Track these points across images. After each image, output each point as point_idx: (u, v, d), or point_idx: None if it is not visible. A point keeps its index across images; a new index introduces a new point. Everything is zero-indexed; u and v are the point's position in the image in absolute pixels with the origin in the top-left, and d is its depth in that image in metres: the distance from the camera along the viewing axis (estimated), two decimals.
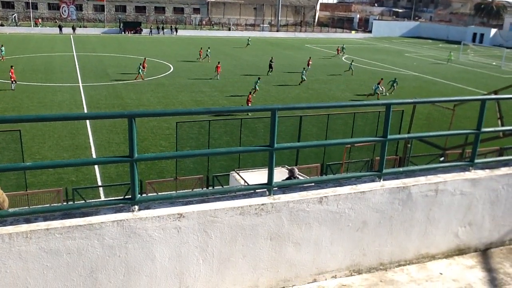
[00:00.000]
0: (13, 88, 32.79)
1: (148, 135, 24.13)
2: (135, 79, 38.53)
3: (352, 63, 47.44)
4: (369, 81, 43.01)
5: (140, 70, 38.91)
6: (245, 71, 45.23)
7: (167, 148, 22.41)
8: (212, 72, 41.43)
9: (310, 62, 48.33)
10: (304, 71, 40.32)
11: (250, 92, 31.90)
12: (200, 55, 51.32)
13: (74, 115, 3.74)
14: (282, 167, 14.60)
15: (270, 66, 45.11)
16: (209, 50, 51.99)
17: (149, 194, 15.66)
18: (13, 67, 33.82)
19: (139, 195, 4.17)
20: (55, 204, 14.54)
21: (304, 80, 39.45)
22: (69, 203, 15.46)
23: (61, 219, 3.90)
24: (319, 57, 59.02)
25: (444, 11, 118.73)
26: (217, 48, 61.19)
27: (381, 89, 35.29)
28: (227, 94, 34.98)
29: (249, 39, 69.01)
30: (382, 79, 36.67)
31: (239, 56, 55.92)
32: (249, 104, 29.06)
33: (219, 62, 42.16)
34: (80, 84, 36.02)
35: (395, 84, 37.21)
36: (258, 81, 34.95)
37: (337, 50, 63.36)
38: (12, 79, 32.80)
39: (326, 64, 53.02)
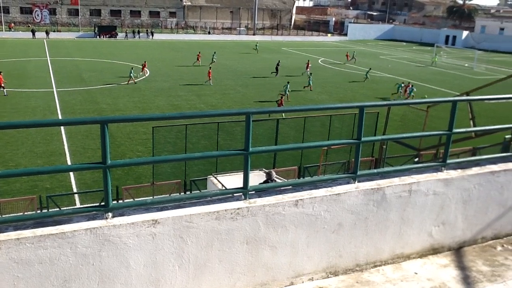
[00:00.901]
0: (5, 93, 32.55)
1: (125, 140, 23.87)
2: (127, 83, 38.50)
3: (369, 72, 46.39)
4: (343, 83, 43.51)
5: (131, 74, 38.92)
6: (222, 75, 45.12)
7: (144, 153, 22.20)
8: (204, 78, 40.91)
9: (309, 65, 47.67)
10: (311, 76, 39.89)
11: (282, 96, 32.15)
12: (198, 60, 50.99)
13: (44, 121, 3.67)
14: (259, 170, 14.63)
15: (277, 69, 45.57)
16: (215, 55, 52.37)
17: (125, 200, 15.49)
18: (1, 73, 33.43)
19: (114, 202, 4.12)
20: (28, 213, 14.24)
21: (310, 85, 38.75)
22: (43, 211, 15.17)
23: (33, 228, 3.81)
24: (296, 60, 59.33)
25: (418, 14, 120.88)
26: (195, 52, 60.92)
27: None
28: (204, 98, 34.87)
29: (257, 44, 68.66)
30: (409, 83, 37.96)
31: (219, 61, 55.86)
32: None
33: (210, 68, 42.25)
34: (55, 90, 35.44)
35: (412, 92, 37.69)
36: (288, 85, 35.17)
37: (347, 56, 60.60)
38: (1, 85, 32.55)
39: (301, 67, 53.35)
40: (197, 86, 38.95)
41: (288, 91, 34.70)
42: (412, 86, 38.43)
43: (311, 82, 39.05)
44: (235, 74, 46.04)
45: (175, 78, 41.91)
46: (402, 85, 38.68)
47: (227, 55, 61.22)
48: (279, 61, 48.47)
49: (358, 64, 56.74)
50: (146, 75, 42.93)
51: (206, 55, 53.80)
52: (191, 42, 76.83)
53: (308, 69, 46.29)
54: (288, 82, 35.87)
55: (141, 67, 43.64)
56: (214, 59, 51.43)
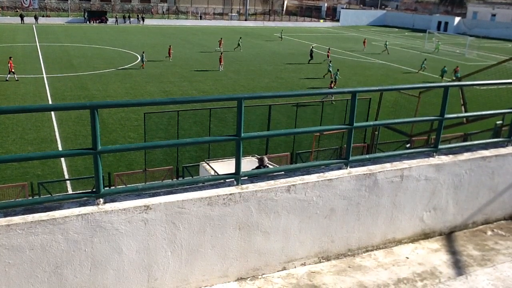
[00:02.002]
0: (16, 78, 32.78)
1: (117, 127, 23.73)
2: (142, 67, 39.06)
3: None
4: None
5: (143, 58, 39.45)
6: (215, 61, 44.88)
7: (136, 139, 22.09)
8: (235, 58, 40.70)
9: (329, 54, 47.17)
10: (330, 64, 39.43)
11: (331, 82, 32.46)
12: (220, 45, 51.43)
13: (33, 107, 3.62)
14: (252, 156, 14.62)
15: (311, 55, 45.90)
16: (241, 40, 53.48)
17: (117, 187, 15.44)
18: (11, 58, 33.54)
19: (105, 188, 4.09)
20: (18, 199, 14.17)
21: (330, 72, 37.87)
22: (34, 197, 15.10)
23: (23, 214, 3.79)
24: (287, 45, 59.11)
25: (410, 0, 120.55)
26: (185, 37, 60.46)
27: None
28: (196, 84, 34.68)
29: (282, 31, 68.91)
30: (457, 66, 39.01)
31: (207, 45, 55.40)
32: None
33: (221, 53, 42.70)
34: (44, 76, 35.04)
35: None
36: (338, 72, 35.53)
37: (364, 42, 60.40)
38: (11, 70, 32.71)
39: (294, 53, 53.15)
40: (190, 72, 38.70)
41: (338, 77, 35.12)
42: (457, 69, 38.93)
43: (331, 70, 38.27)
44: (237, 60, 45.81)
45: (166, 64, 41.60)
46: (446, 69, 39.66)
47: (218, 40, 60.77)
48: (312, 47, 48.95)
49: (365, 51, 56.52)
50: (171, 60, 43.36)
51: (192, 40, 53.26)
52: (182, 28, 76.16)
53: (329, 57, 45.95)
54: (338, 70, 36.31)
55: (168, 51, 44.40)
56: (240, 44, 52.65)
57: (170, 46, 45.52)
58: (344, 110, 19.50)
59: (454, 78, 36.09)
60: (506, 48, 69.00)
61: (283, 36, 66.80)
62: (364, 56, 52.72)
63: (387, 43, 57.65)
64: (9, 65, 32.74)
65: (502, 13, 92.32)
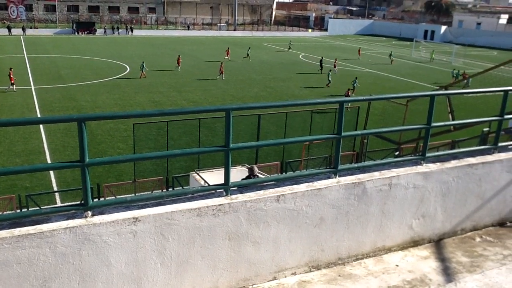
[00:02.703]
0: (14, 89, 33.02)
1: (105, 138, 23.60)
2: (139, 78, 39.46)
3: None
4: (326, 78, 43.67)
5: (143, 68, 39.98)
6: (204, 71, 44.93)
7: (125, 150, 21.99)
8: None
9: (336, 63, 47.48)
10: (330, 73, 39.94)
11: (348, 90, 33.32)
12: (227, 55, 52.88)
13: (19, 120, 3.59)
14: (242, 165, 14.62)
15: (321, 66, 46.58)
16: (249, 50, 54.61)
17: (107, 198, 15.33)
18: (11, 69, 33.84)
19: (94, 200, 4.07)
20: (7, 212, 14.00)
21: (329, 81, 38.88)
22: (22, 210, 14.92)
23: (10, 228, 3.75)
24: (276, 55, 59.38)
25: (396, 9, 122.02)
26: (174, 47, 60.51)
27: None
28: (185, 94, 34.67)
29: (291, 42, 69.48)
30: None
31: (196, 55, 55.51)
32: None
33: (222, 63, 42.94)
34: (32, 87, 34.83)
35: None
36: (356, 80, 36.58)
37: (358, 52, 61.66)
38: (12, 81, 33.09)
39: (283, 62, 53.43)
40: (178, 82, 38.69)
41: (357, 85, 36.38)
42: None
43: (330, 79, 39.07)
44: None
45: (155, 75, 41.56)
46: (455, 71, 41.57)
47: (208, 50, 60.91)
48: (322, 57, 49.57)
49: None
50: (179, 70, 44.31)
51: (183, 50, 53.27)
52: (171, 38, 76.23)
53: (336, 68, 46.19)
54: (356, 78, 37.68)
55: (177, 60, 45.29)
56: (248, 53, 53.94)
57: (179, 56, 46.40)
58: (334, 119, 19.59)
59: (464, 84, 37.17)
60: (491, 56, 69.96)
61: (291, 46, 67.11)
62: (353, 65, 53.08)
63: (392, 53, 58.48)
64: (9, 75, 33.22)
65: (487, 22, 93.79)
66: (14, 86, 33.19)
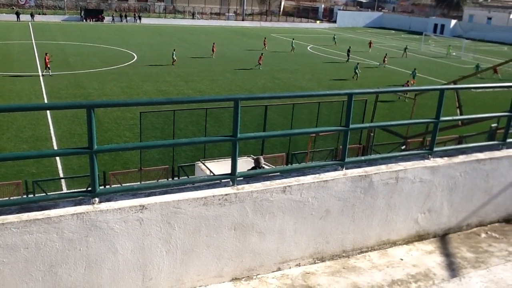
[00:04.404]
0: (50, 74, 33.89)
1: (112, 126, 23.67)
2: (172, 64, 40.87)
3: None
4: (333, 70, 43.48)
5: (174, 55, 41.41)
6: (213, 62, 44.83)
7: (131, 138, 22.04)
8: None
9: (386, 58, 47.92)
10: (358, 66, 40.00)
11: (407, 81, 35.05)
12: (264, 45, 54.18)
13: (29, 105, 3.62)
14: (248, 156, 14.62)
15: (348, 55, 48.20)
16: (293, 41, 55.43)
17: (112, 186, 15.41)
18: (47, 54, 34.79)
19: (101, 187, 4.09)
20: (13, 198, 14.11)
21: (357, 74, 38.86)
22: (29, 196, 15.05)
23: (18, 213, 3.78)
24: (285, 46, 59.10)
25: (407, 2, 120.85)
26: (182, 37, 60.30)
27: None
28: (192, 84, 34.65)
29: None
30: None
31: (205, 46, 55.40)
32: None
33: (262, 53, 44.20)
34: (40, 74, 34.89)
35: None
36: (415, 70, 37.30)
37: (370, 44, 61.19)
38: (47, 65, 33.92)
39: (291, 54, 53.20)
40: (185, 71, 38.66)
41: (358, 71, 37.25)
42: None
43: (357, 72, 39.14)
44: (228, 61, 45.74)
45: (162, 63, 41.54)
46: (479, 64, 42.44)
47: (216, 41, 60.70)
48: (349, 47, 50.99)
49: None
50: (214, 57, 45.98)
51: (190, 40, 53.02)
52: (179, 27, 76.03)
53: (385, 62, 47.19)
54: (357, 63, 39.65)
55: (211, 48, 47.25)
56: (293, 45, 54.37)
57: (213, 43, 48.26)
58: (340, 111, 19.51)
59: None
60: (502, 51, 69.30)
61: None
62: (362, 58, 52.79)
63: (407, 47, 57.73)
64: (45, 60, 33.99)
65: (498, 17, 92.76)
66: (50, 70, 34.03)
